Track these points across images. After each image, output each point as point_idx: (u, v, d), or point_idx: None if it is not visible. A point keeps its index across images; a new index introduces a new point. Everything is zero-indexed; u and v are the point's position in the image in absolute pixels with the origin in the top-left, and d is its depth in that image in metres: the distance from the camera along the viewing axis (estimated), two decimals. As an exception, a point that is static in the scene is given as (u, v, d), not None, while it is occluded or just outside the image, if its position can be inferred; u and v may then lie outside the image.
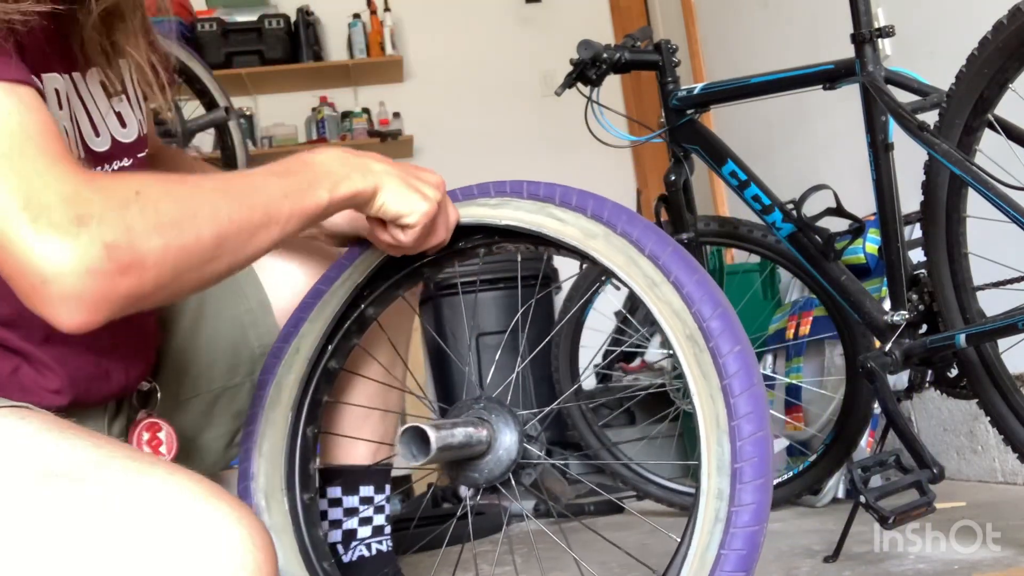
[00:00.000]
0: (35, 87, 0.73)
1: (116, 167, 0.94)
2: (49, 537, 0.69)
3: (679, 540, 0.89)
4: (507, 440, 0.95)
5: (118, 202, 0.68)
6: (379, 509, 1.24)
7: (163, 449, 1.02)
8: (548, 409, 1.03)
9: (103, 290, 0.66)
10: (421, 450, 0.88)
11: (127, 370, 0.99)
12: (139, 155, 0.97)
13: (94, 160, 0.91)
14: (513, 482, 0.96)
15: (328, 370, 1.07)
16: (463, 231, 1.02)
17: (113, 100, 0.93)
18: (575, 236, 0.96)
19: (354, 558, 1.21)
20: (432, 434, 0.88)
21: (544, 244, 1.00)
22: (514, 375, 1.09)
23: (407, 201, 0.93)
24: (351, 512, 1.22)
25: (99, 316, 0.67)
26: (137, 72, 0.96)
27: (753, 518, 0.84)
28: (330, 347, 1.06)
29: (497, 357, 3.20)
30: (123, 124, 0.95)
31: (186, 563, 0.68)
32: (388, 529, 1.25)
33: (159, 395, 1.06)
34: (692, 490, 2.11)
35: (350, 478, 1.23)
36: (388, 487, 1.27)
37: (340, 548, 1.22)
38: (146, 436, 1.02)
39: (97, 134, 0.91)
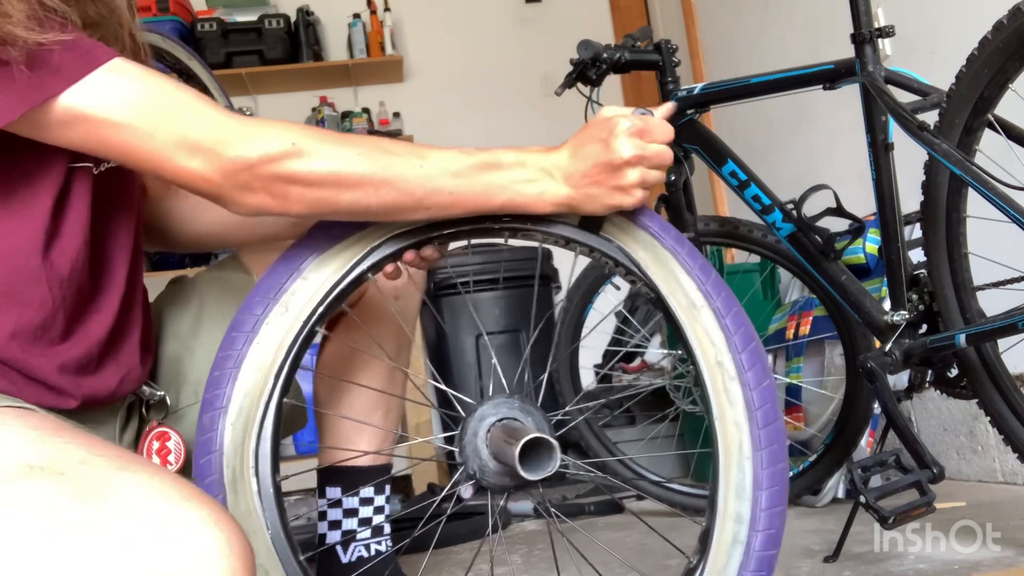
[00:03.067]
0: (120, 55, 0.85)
1: (104, 167, 0.95)
2: (21, 528, 0.69)
3: (692, 558, 0.91)
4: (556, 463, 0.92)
5: (273, 149, 0.84)
6: (379, 510, 1.24)
7: (171, 458, 1.02)
8: (570, 408, 1.02)
9: (257, 205, 0.87)
10: (539, 464, 0.84)
11: (120, 371, 0.99)
12: None
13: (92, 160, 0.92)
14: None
15: (313, 332, 0.99)
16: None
17: None
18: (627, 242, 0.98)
19: (353, 559, 1.21)
20: (555, 444, 0.84)
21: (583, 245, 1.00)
22: (545, 374, 1.07)
23: (603, 205, 0.94)
24: (351, 513, 1.22)
25: (263, 213, 0.89)
26: None
27: (771, 543, 0.89)
28: (320, 308, 0.97)
29: (490, 358, 3.20)
30: None
31: (159, 563, 0.67)
32: (388, 529, 1.25)
33: (168, 403, 1.06)
34: (691, 489, 2.12)
35: (350, 479, 1.23)
36: (388, 488, 1.27)
37: (339, 549, 1.22)
38: (156, 445, 1.02)
39: None
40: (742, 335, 0.95)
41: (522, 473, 0.83)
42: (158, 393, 1.06)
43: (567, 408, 1.09)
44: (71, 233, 0.91)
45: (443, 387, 1.18)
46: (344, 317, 1.23)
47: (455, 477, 1.00)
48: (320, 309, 0.95)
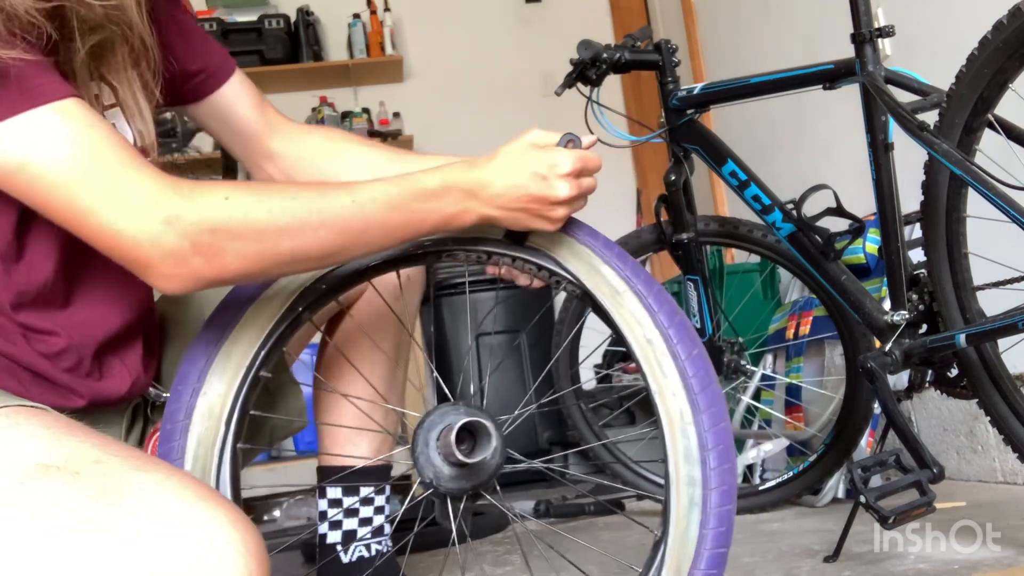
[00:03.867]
0: (76, 95, 0.80)
1: None
2: (37, 530, 0.69)
3: (656, 531, 0.96)
4: (496, 443, 0.94)
5: (207, 206, 0.80)
6: (379, 510, 1.24)
7: None
8: (530, 410, 1.03)
9: (188, 275, 0.81)
10: (474, 448, 0.87)
11: (131, 375, 0.99)
12: None
13: None
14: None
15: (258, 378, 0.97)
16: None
17: (108, 113, 0.94)
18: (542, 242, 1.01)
19: (353, 559, 1.21)
20: (491, 427, 0.87)
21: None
22: (487, 377, 1.09)
23: (523, 226, 0.97)
24: (351, 513, 1.22)
25: (189, 289, 0.82)
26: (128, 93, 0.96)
27: (725, 499, 0.94)
28: (263, 352, 0.97)
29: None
30: None
31: (176, 564, 0.67)
32: (388, 529, 1.25)
33: None
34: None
35: (350, 478, 1.23)
36: (388, 488, 1.27)
37: (339, 548, 1.21)
38: None
39: None
40: (666, 311, 0.99)
41: (459, 455, 0.87)
42: (164, 395, 1.06)
43: (525, 408, 1.09)
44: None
45: (390, 406, 1.22)
46: (343, 317, 1.23)
47: (412, 490, 1.03)
48: (262, 353, 0.95)
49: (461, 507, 0.94)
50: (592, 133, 1.85)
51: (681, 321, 0.99)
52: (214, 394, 0.93)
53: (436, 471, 0.93)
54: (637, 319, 0.99)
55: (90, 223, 0.79)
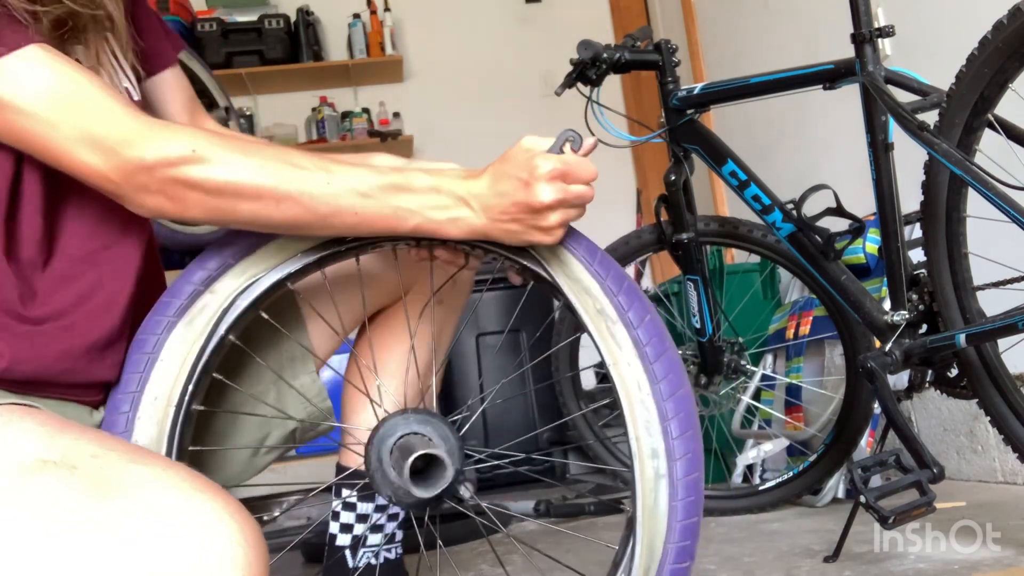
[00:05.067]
0: (42, 43, 0.84)
1: None
2: (36, 525, 0.69)
3: (628, 507, 0.93)
4: (451, 455, 0.91)
5: (174, 152, 0.83)
6: (392, 517, 1.22)
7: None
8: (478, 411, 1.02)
9: (154, 208, 0.85)
10: (430, 481, 0.83)
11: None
12: None
13: None
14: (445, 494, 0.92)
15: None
16: None
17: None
18: None
19: (360, 564, 1.20)
20: (447, 458, 0.83)
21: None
22: (434, 379, 1.06)
23: (520, 241, 0.93)
24: (363, 518, 1.21)
25: (158, 217, 0.88)
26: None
27: (692, 467, 0.91)
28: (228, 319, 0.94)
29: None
30: None
31: (175, 556, 0.68)
32: (400, 536, 1.24)
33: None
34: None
35: (368, 484, 1.21)
36: None
37: (347, 553, 1.20)
38: None
39: None
40: (613, 277, 0.95)
41: (415, 492, 0.83)
42: None
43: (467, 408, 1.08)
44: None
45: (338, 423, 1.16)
46: (380, 317, 1.21)
47: (370, 511, 1.01)
48: (228, 319, 0.93)
49: (426, 515, 0.92)
50: (592, 134, 1.87)
51: (630, 287, 0.95)
52: (171, 361, 0.91)
53: (395, 488, 0.89)
54: (585, 287, 0.95)
55: (69, 158, 0.84)
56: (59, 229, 0.92)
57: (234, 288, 0.93)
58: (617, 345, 0.93)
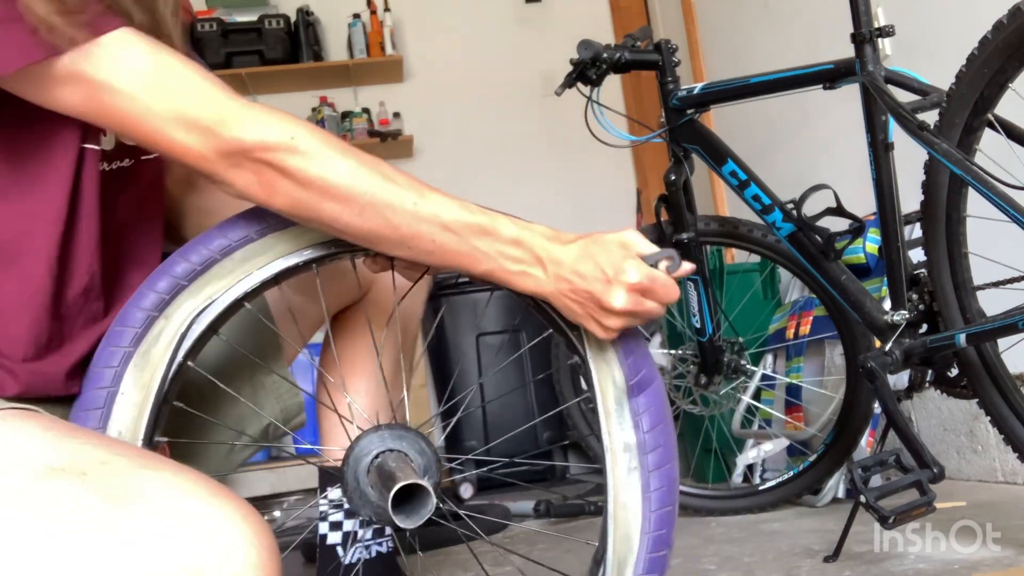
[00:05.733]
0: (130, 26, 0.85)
1: (115, 166, 0.94)
2: (49, 533, 0.69)
3: (601, 502, 0.94)
4: (428, 472, 0.90)
5: (272, 137, 0.84)
6: None
7: None
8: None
9: (243, 187, 0.86)
10: (413, 507, 0.81)
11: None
12: (144, 156, 0.98)
13: (101, 158, 0.92)
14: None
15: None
16: None
17: None
18: None
19: (353, 560, 1.21)
20: (429, 486, 0.81)
21: None
22: (405, 390, 1.05)
23: (575, 320, 0.92)
24: (352, 514, 1.21)
25: (243, 198, 0.87)
26: None
27: (664, 459, 0.93)
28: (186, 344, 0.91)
29: (492, 357, 3.20)
30: None
31: (190, 561, 0.68)
32: (389, 530, 1.25)
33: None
34: (691, 489, 2.13)
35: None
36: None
37: (339, 550, 1.21)
38: None
39: (105, 133, 0.93)
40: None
41: (397, 522, 0.81)
42: None
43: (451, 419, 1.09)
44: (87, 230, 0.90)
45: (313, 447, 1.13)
46: (342, 317, 1.23)
47: (356, 527, 1.01)
48: (185, 345, 0.89)
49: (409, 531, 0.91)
50: (593, 134, 1.87)
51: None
52: (132, 397, 0.87)
53: (376, 508, 0.87)
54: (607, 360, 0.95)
55: (164, 139, 0.85)
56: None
57: (189, 312, 0.90)
58: (600, 349, 0.95)
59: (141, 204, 1.00)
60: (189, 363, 0.90)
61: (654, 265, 0.87)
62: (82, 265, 0.91)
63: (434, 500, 0.82)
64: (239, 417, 1.13)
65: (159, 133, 0.84)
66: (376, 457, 0.88)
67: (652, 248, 0.89)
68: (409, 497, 0.82)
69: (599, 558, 0.93)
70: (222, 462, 1.14)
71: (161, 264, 0.91)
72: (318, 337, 1.27)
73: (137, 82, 0.83)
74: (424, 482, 0.80)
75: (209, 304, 0.91)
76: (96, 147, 0.91)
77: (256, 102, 0.87)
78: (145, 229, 1.00)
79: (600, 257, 0.87)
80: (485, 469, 2.77)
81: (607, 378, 0.95)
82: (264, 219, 0.92)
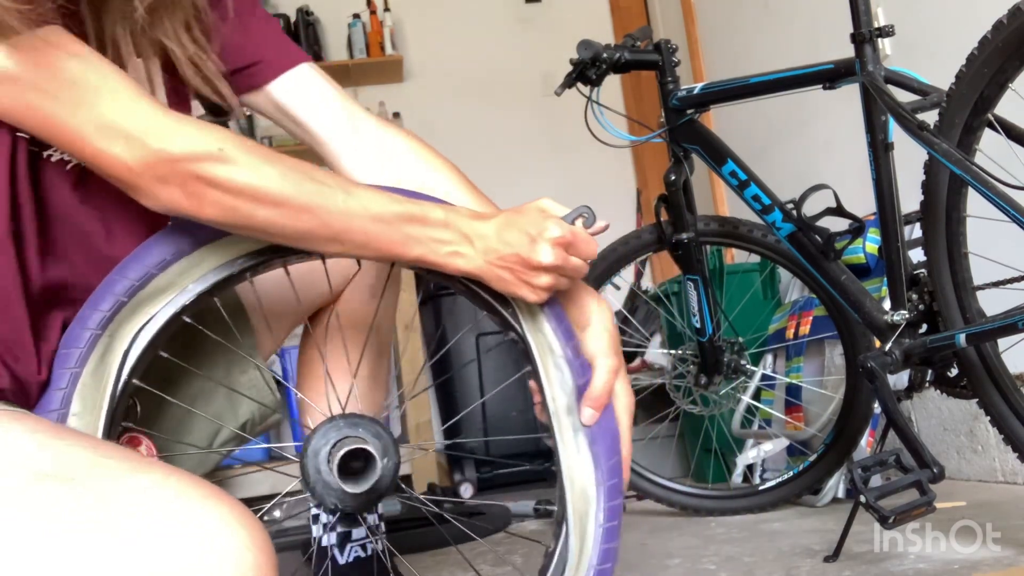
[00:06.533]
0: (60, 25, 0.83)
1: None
2: (39, 538, 0.68)
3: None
4: (385, 458, 0.91)
5: (200, 148, 0.83)
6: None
7: None
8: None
9: (168, 201, 0.85)
10: (359, 476, 0.84)
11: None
12: None
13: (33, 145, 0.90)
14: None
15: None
16: None
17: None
18: None
19: (350, 559, 1.21)
20: (378, 454, 0.84)
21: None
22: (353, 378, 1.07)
23: (507, 290, 0.94)
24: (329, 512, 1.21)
25: (169, 212, 0.87)
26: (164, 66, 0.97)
27: (604, 414, 0.96)
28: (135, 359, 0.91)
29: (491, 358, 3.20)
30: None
31: (184, 564, 0.67)
32: (383, 527, 1.25)
33: (139, 408, 1.05)
34: (692, 489, 2.13)
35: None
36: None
37: (335, 550, 1.21)
38: None
39: None
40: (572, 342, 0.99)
41: (345, 488, 0.83)
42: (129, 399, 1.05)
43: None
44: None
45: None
46: (319, 316, 1.22)
47: (321, 518, 1.03)
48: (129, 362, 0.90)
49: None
50: (593, 134, 1.87)
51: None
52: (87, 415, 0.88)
53: (339, 496, 0.89)
54: (548, 341, 0.97)
55: (88, 147, 0.83)
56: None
57: (131, 329, 0.90)
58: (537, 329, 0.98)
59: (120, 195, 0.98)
60: (134, 381, 0.90)
61: (572, 223, 0.93)
62: (33, 259, 0.89)
63: (380, 463, 0.85)
64: (217, 415, 1.12)
65: (83, 140, 0.82)
66: (334, 446, 0.90)
67: (564, 208, 0.95)
68: (365, 472, 0.86)
69: (560, 519, 0.95)
70: (198, 461, 1.13)
71: (103, 281, 0.90)
72: (291, 341, 1.28)
73: (62, 84, 0.81)
74: (369, 447, 0.83)
75: (149, 320, 0.91)
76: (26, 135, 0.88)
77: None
78: (129, 220, 0.97)
79: (522, 223, 0.91)
80: (486, 470, 2.77)
81: (544, 347, 0.97)
82: (196, 231, 0.92)
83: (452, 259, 0.92)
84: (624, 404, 0.98)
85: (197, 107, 1.09)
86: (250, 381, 1.14)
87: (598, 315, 0.99)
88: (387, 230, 0.89)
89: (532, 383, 0.99)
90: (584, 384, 0.97)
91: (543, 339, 0.98)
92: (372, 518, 1.23)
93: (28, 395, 0.87)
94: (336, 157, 1.14)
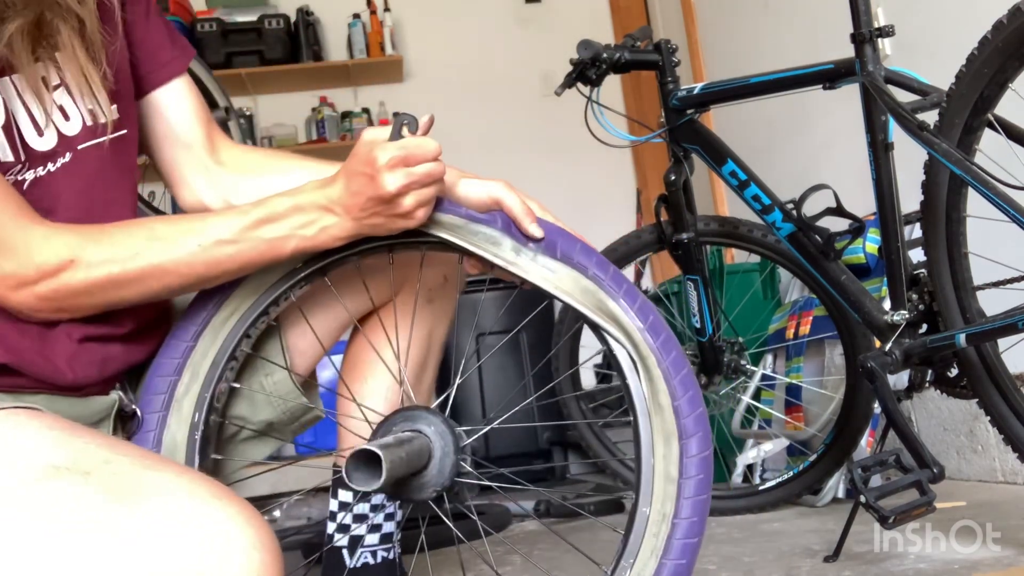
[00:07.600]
0: None
1: (59, 164, 0.93)
2: (51, 532, 0.69)
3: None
4: (444, 450, 0.93)
5: (50, 268, 0.85)
6: (390, 516, 1.22)
7: None
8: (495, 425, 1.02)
9: (42, 316, 0.89)
10: (373, 474, 0.84)
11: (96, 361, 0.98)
12: (80, 146, 0.95)
13: (37, 160, 0.91)
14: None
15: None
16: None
17: (56, 93, 0.93)
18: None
19: (358, 564, 1.20)
20: (383, 454, 0.84)
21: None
22: (452, 388, 1.07)
23: (388, 230, 0.95)
24: (360, 518, 1.21)
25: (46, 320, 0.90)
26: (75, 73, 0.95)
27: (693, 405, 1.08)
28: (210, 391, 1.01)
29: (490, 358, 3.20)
30: (66, 117, 0.94)
31: (192, 561, 0.68)
32: (397, 536, 1.24)
33: (140, 415, 1.05)
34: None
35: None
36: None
37: (345, 553, 1.21)
38: None
39: (40, 134, 0.92)
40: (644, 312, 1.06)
41: (351, 484, 0.85)
42: (131, 406, 1.05)
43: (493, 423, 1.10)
44: None
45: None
46: (372, 317, 1.22)
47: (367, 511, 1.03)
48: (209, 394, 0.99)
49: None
50: (592, 134, 1.87)
51: (505, 220, 1.00)
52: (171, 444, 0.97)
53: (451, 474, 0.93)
54: (470, 230, 0.99)
55: None
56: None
57: (207, 367, 1.00)
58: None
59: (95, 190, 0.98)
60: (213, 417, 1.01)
61: (399, 137, 0.91)
62: None
63: (386, 467, 0.83)
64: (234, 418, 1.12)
65: None
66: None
67: (386, 131, 0.93)
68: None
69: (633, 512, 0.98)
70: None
71: (172, 333, 1.01)
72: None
73: None
74: (375, 448, 0.84)
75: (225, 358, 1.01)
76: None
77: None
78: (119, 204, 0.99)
79: (356, 166, 0.90)
80: (487, 470, 2.76)
81: (457, 232, 0.99)
82: (213, 294, 1.01)
83: (323, 234, 0.92)
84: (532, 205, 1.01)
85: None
86: (275, 384, 1.13)
87: (476, 187, 1.03)
88: (248, 245, 0.91)
89: (466, 264, 1.03)
90: (505, 221, 0.99)
91: (454, 228, 0.99)
92: (388, 526, 1.22)
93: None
94: (198, 168, 1.14)
